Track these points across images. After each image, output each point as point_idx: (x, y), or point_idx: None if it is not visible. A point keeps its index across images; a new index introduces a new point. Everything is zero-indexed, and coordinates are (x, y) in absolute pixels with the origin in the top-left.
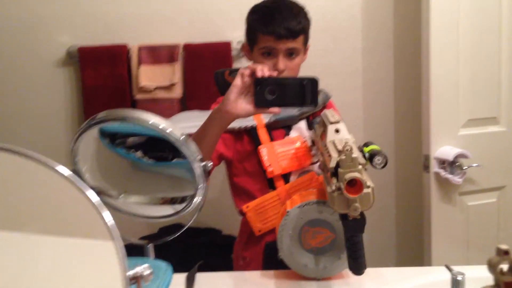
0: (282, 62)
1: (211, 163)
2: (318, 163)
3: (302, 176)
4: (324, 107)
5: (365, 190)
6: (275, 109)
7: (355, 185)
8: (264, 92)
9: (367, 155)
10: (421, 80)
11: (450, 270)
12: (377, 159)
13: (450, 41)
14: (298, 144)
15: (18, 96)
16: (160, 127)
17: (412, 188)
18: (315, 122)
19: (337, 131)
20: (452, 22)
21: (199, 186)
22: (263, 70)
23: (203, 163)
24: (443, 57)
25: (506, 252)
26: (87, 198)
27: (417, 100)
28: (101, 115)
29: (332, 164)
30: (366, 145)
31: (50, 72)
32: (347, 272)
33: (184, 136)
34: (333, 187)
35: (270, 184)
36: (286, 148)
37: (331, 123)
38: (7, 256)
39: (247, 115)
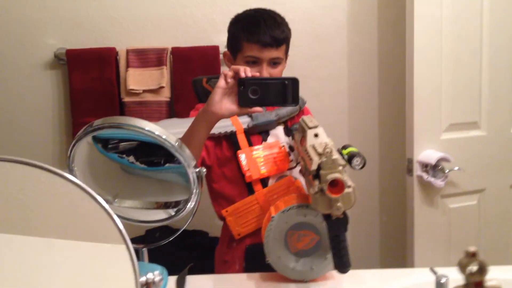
0: (266, 71)
1: (205, 169)
2: (296, 168)
3: (279, 180)
4: (302, 112)
5: (347, 190)
6: (258, 108)
7: (336, 185)
8: (247, 92)
9: (345, 157)
10: (405, 86)
11: (434, 273)
12: (356, 160)
13: (433, 48)
14: (276, 149)
15: (4, 99)
16: (156, 133)
17: (396, 191)
18: (294, 128)
19: (316, 135)
20: (435, 30)
21: (193, 192)
22: (246, 71)
23: (197, 169)
24: (426, 63)
25: (474, 254)
26: (101, 206)
27: (401, 105)
28: (98, 122)
29: (314, 166)
30: (344, 147)
31: (38, 75)
32: (333, 274)
33: (178, 142)
34: (316, 189)
35: (249, 188)
36: (265, 153)
37: (310, 128)
38: (23, 259)
39: (231, 114)
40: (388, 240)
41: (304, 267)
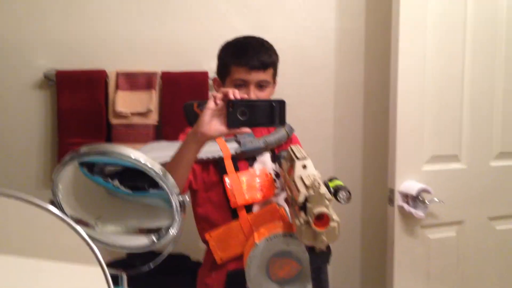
0: (253, 93)
1: (188, 199)
2: (282, 195)
3: (264, 207)
4: (290, 139)
5: (332, 224)
6: (246, 129)
7: (322, 219)
8: (236, 113)
9: (332, 190)
10: (388, 117)
11: None
12: (341, 194)
13: (416, 83)
14: (262, 176)
15: None
16: (142, 162)
17: (377, 220)
18: (281, 156)
19: (304, 167)
20: (419, 65)
21: (176, 219)
22: (235, 93)
23: (181, 197)
24: (410, 97)
25: None
26: (79, 235)
27: (385, 136)
28: (84, 149)
29: (301, 199)
30: (330, 180)
31: (26, 94)
32: None
33: (162, 170)
34: (302, 221)
35: (233, 213)
36: (251, 179)
37: (299, 159)
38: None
39: (220, 135)
40: (369, 270)
41: None
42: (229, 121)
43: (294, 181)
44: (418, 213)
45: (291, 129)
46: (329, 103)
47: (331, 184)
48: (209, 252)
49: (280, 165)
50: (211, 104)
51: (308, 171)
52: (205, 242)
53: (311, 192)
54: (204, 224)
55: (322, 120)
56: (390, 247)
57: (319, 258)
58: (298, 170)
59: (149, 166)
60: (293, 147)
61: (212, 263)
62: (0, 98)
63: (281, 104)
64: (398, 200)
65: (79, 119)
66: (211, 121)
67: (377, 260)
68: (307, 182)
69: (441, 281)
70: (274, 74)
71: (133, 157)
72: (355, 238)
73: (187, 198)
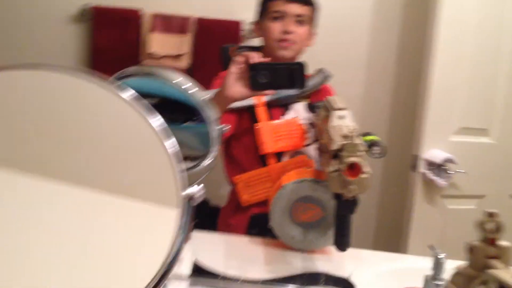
0: (291, 25)
1: (227, 126)
2: (312, 146)
3: (294, 157)
4: (325, 86)
5: (363, 175)
6: (268, 92)
7: (354, 168)
8: (258, 77)
9: (366, 143)
10: (420, 84)
11: (433, 249)
12: (376, 149)
13: (454, 50)
14: (294, 126)
15: (28, 50)
16: (185, 87)
17: (397, 185)
18: (318, 105)
19: (341, 117)
20: (459, 33)
21: (213, 148)
22: (256, 57)
23: (220, 126)
24: (445, 65)
25: (492, 215)
26: (149, 124)
27: (414, 102)
28: (131, 69)
29: (335, 146)
30: (366, 134)
31: (61, 28)
32: (330, 249)
33: (205, 98)
34: (333, 168)
35: (263, 161)
36: (283, 128)
37: (337, 109)
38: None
39: (243, 97)
40: (383, 231)
41: (303, 238)
42: (251, 84)
43: (329, 130)
44: (441, 181)
45: (328, 76)
46: (361, 63)
47: (366, 138)
48: (234, 194)
49: (316, 114)
50: (233, 68)
51: (346, 121)
52: (232, 183)
53: (346, 141)
54: (235, 165)
55: (352, 81)
56: (408, 212)
57: (346, 206)
58: (335, 120)
59: (192, 91)
60: (333, 97)
61: (236, 204)
62: (35, 30)
63: (301, 67)
64: (422, 167)
65: (112, 57)
66: (235, 84)
67: (391, 223)
68: (343, 132)
69: (455, 251)
70: (313, 17)
71: (177, 81)
72: (373, 198)
73: (225, 126)
